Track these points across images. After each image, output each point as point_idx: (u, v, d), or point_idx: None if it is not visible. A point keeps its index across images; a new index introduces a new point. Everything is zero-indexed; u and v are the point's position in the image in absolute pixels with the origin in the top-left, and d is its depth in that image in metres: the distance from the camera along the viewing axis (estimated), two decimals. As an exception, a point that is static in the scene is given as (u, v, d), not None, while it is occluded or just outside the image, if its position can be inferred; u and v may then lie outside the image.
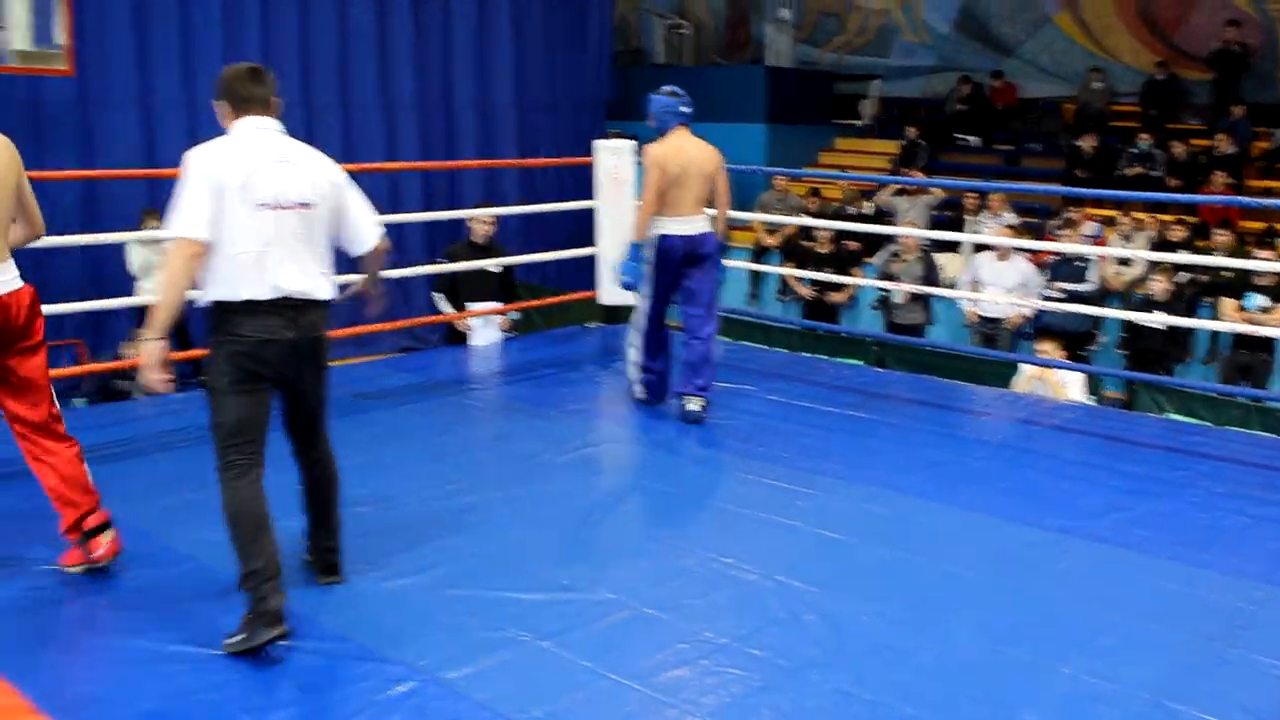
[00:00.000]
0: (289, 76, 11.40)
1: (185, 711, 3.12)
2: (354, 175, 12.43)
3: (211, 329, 3.59)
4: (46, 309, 4.24)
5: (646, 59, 18.29)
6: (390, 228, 11.71)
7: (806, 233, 11.62)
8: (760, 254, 12.53)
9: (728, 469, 5.25)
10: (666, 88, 6.02)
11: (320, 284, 3.66)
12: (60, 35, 9.14)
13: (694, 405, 5.89)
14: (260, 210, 3.51)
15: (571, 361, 7.36)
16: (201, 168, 3.49)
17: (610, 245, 7.60)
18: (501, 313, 8.20)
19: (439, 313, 8.32)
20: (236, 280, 3.50)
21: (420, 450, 5.46)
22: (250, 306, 3.51)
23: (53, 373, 4.06)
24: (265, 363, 3.56)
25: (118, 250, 9.92)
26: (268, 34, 11.30)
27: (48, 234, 4.26)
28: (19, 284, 3.89)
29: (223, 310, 3.54)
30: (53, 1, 9.00)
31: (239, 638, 3.42)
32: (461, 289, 8.14)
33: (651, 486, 5.14)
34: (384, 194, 11.96)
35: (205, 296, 3.56)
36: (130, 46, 10.53)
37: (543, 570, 4.02)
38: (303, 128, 11.39)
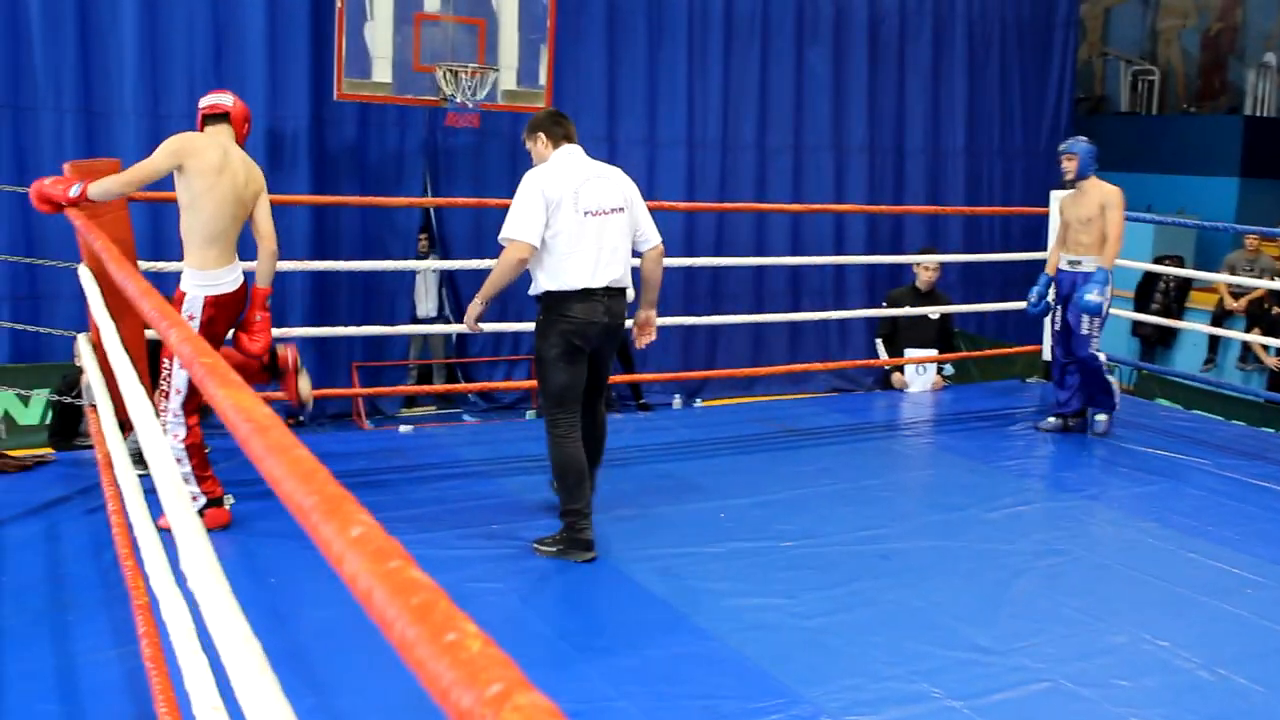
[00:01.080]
0: (747, 118, 11.76)
1: None
2: (799, 216, 12.47)
3: (544, 312, 4.38)
4: (508, 326, 4.79)
5: (1108, 107, 17.47)
6: (830, 270, 11.81)
7: (1278, 298, 10.72)
8: (1221, 318, 11.65)
9: (1171, 545, 4.91)
10: (1083, 138, 6.53)
11: (629, 276, 4.45)
12: (543, 76, 9.88)
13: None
14: (588, 217, 4.30)
15: (1008, 415, 7.14)
16: (538, 185, 4.31)
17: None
18: (937, 361, 8.10)
19: (875, 356, 8.32)
20: (571, 273, 4.28)
21: (847, 491, 5.48)
22: (582, 294, 4.30)
23: (510, 385, 4.60)
24: (586, 339, 4.35)
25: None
26: (727, 80, 11.72)
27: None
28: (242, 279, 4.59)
29: (558, 297, 4.32)
30: (540, 46, 9.77)
31: (552, 549, 4.39)
32: (901, 334, 8.11)
33: (1084, 554, 4.89)
34: (829, 235, 12.06)
35: (540, 286, 4.35)
36: (602, 89, 11.23)
37: (961, 628, 3.94)
38: (754, 169, 11.72)
